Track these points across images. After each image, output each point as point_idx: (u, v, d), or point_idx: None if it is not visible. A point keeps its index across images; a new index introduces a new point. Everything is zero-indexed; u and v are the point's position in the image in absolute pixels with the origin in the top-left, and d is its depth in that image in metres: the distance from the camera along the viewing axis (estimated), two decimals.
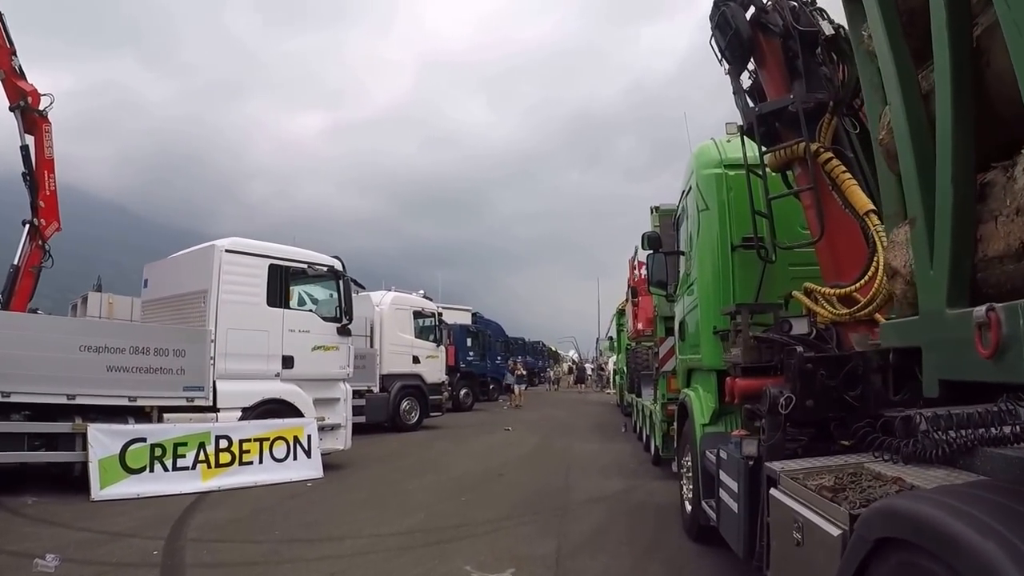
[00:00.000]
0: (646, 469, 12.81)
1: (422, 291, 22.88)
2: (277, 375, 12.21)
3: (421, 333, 21.83)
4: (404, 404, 20.52)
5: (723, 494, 5.79)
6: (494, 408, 30.12)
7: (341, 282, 13.64)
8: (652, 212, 11.80)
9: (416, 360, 21.02)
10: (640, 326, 18.64)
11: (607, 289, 73.93)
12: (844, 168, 5.41)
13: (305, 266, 13.18)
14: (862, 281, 5.09)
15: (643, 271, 20.46)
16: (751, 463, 5.05)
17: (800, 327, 5.32)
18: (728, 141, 7.21)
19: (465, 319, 34.79)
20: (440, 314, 22.62)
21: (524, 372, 32.22)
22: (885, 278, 4.63)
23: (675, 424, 9.04)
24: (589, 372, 59.09)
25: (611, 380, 44.00)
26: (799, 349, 4.92)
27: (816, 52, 5.81)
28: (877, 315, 4.99)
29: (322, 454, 12.36)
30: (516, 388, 31.61)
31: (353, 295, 14.17)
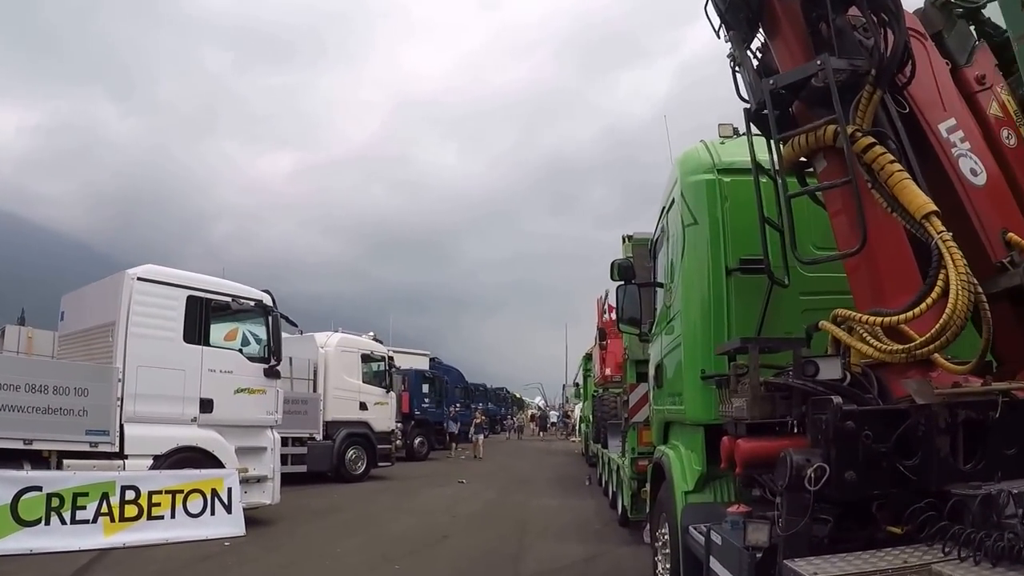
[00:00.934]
0: (612, 531, 11.30)
1: (371, 333, 21.31)
2: (194, 420, 10.83)
3: (369, 378, 20.21)
4: (350, 453, 18.85)
5: None
6: (451, 458, 28.33)
7: (270, 318, 12.14)
8: (624, 241, 10.47)
9: (363, 407, 19.38)
10: (608, 371, 17.26)
11: (575, 336, 72.74)
12: (892, 158, 4.06)
13: (229, 299, 11.74)
14: (920, 307, 3.72)
15: (612, 313, 19.31)
16: (759, 556, 3.63)
17: (829, 370, 3.92)
18: (722, 143, 5.90)
19: (422, 364, 33.18)
20: (391, 358, 21.03)
21: (483, 420, 30.23)
22: (960, 301, 3.31)
23: (648, 485, 7.60)
24: (553, 420, 57.41)
25: (576, 428, 42.51)
26: (835, 400, 3.53)
27: (846, 10, 4.46)
28: (937, 355, 3.65)
29: (246, 509, 11.09)
30: (476, 438, 29.66)
31: (292, 334, 12.71)
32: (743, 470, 4.16)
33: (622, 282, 7.59)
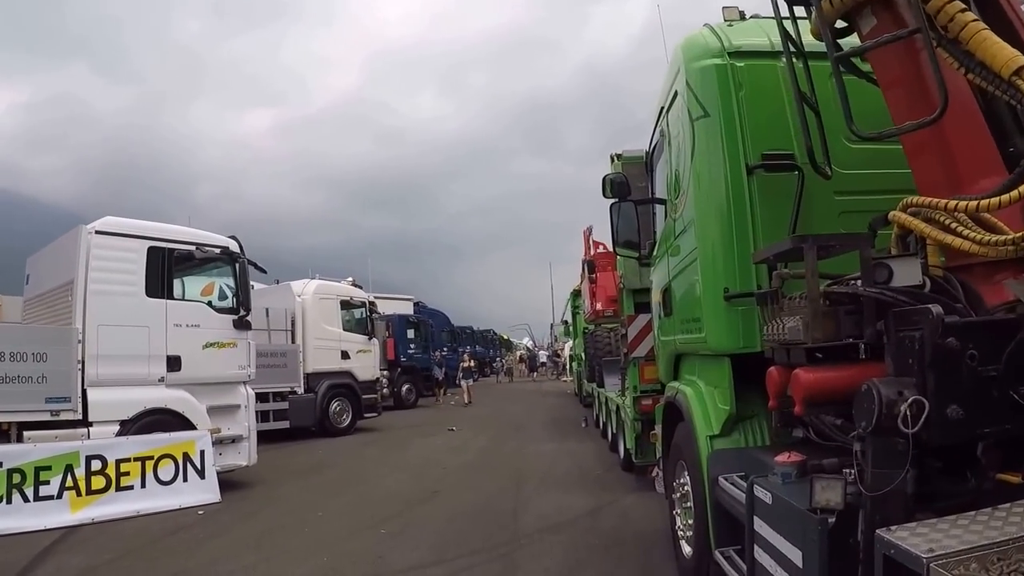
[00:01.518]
0: (615, 477, 10.56)
1: (350, 278, 20.27)
2: (161, 380, 10.13)
3: (351, 325, 19.30)
4: (334, 405, 18.05)
5: (764, 556, 3.54)
6: (440, 404, 27.65)
7: (237, 266, 11.22)
8: (613, 160, 9.50)
9: (346, 355, 18.49)
10: (599, 306, 16.43)
11: (561, 274, 72.23)
12: (962, 5, 3.12)
13: (192, 248, 10.81)
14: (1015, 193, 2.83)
15: (599, 248, 18.38)
16: (831, 521, 2.82)
17: (907, 274, 3.02)
18: (730, 26, 4.94)
19: (406, 309, 32.31)
20: (372, 303, 20.08)
21: (472, 364, 29.27)
22: None
23: (657, 427, 6.82)
24: (543, 360, 56.83)
25: (567, 367, 41.92)
26: (935, 311, 2.65)
27: None
28: None
29: (221, 472, 10.42)
30: (464, 383, 28.16)
31: (265, 283, 11.79)
32: (804, 409, 3.29)
33: (615, 200, 6.67)
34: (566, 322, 34.37)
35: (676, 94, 5.19)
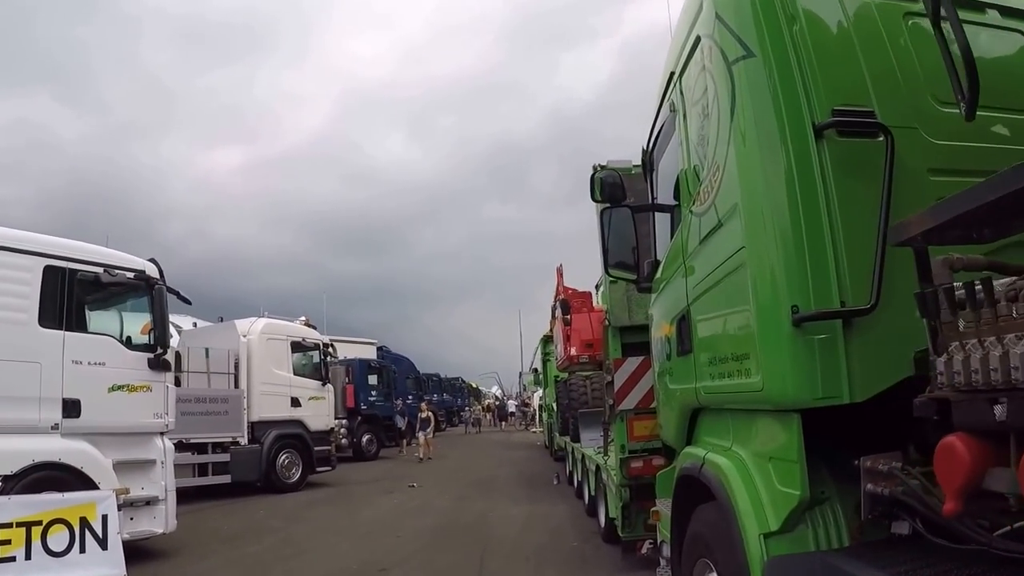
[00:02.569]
0: (596, 550, 9.01)
1: (303, 317, 18.62)
2: (55, 427, 8.42)
3: (303, 369, 17.62)
4: (282, 458, 16.31)
5: None
6: (403, 456, 25.81)
7: (154, 294, 9.63)
8: (596, 171, 8.09)
9: (296, 403, 16.78)
10: (574, 351, 14.99)
11: (529, 322, 70.68)
12: None
13: (99, 270, 9.11)
14: None
15: (567, 292, 16.99)
16: None
17: None
18: None
19: (369, 354, 30.58)
20: (327, 345, 18.37)
21: (430, 415, 26.54)
22: None
23: (659, 503, 5.35)
24: (512, 409, 55.07)
25: (536, 418, 40.22)
26: None
27: None
28: None
29: (130, 541, 8.69)
30: (421, 436, 25.32)
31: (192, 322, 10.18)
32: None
33: (607, 206, 5.25)
34: (535, 370, 32.77)
35: (698, 41, 3.77)
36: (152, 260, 9.94)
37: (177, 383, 15.01)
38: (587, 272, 21.39)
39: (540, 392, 34.26)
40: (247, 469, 15.44)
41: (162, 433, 9.62)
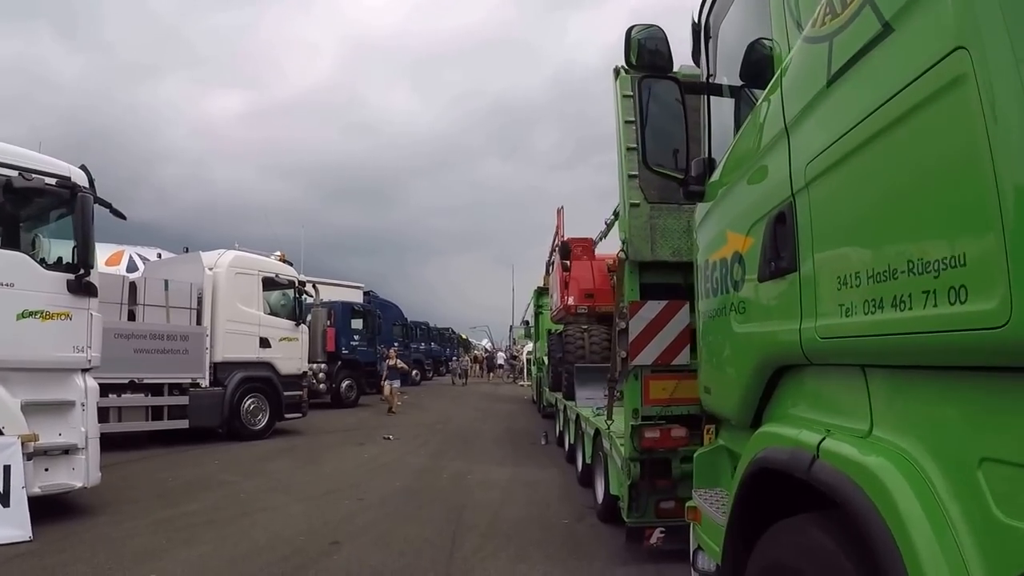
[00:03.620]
0: (593, 532, 7.62)
1: (279, 252, 16.97)
2: None
3: (276, 308, 16.12)
4: (247, 403, 14.92)
5: None
6: (381, 402, 24.40)
7: (80, 204, 8.06)
8: (620, 76, 6.49)
9: (266, 343, 15.30)
10: (571, 300, 13.54)
11: (522, 281, 69.27)
12: None
13: (13, 173, 7.55)
14: None
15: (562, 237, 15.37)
16: None
17: None
18: None
19: (355, 298, 29.01)
20: (303, 283, 16.77)
21: (400, 364, 23.64)
22: None
23: (698, 500, 3.91)
24: (501, 362, 53.87)
25: (525, 371, 38.91)
26: None
27: None
28: None
29: (44, 496, 7.46)
30: (387, 386, 22.63)
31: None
32: None
33: (645, 75, 3.68)
34: (527, 323, 31.40)
35: None
36: (83, 167, 8.37)
37: (132, 317, 13.62)
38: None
39: (530, 346, 32.91)
40: (207, 414, 14.06)
41: (84, 370, 8.12)
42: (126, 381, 12.85)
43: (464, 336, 65.41)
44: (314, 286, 24.91)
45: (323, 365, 22.51)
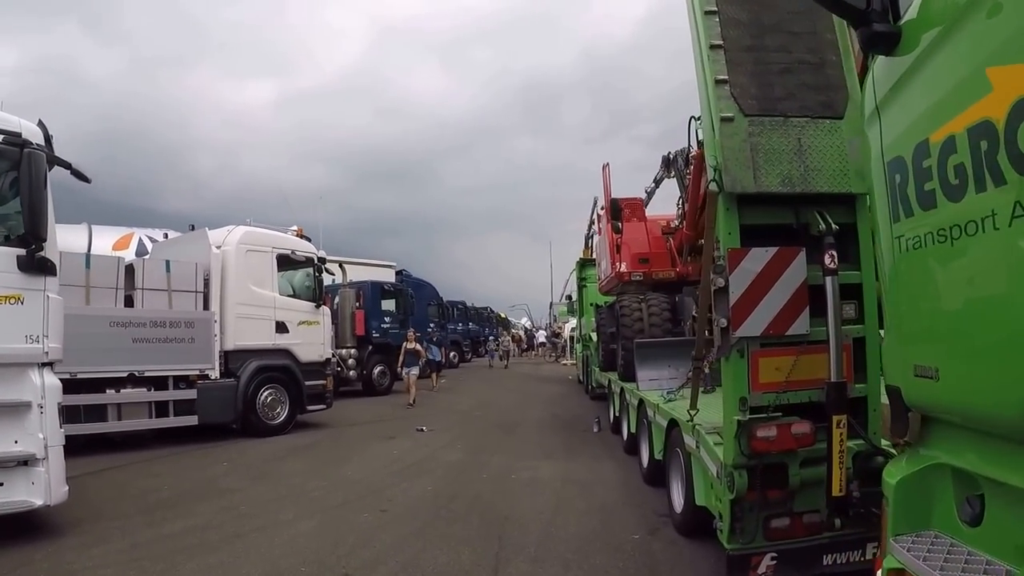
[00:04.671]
0: (671, 551, 5.94)
1: (295, 227, 15.42)
2: None
3: (293, 288, 14.61)
4: (264, 395, 13.40)
5: None
6: (432, 390, 22.87)
7: (29, 162, 6.56)
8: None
9: (282, 328, 13.77)
10: (624, 267, 11.87)
11: (560, 257, 67.69)
12: None
13: None
14: None
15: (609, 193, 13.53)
16: None
17: None
18: None
19: (388, 277, 27.44)
20: (322, 259, 15.17)
21: (417, 347, 19.90)
22: None
23: (907, 539, 2.23)
24: (542, 339, 51.99)
25: (567, 349, 37.14)
26: None
27: None
28: None
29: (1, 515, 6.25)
30: (406, 374, 19.32)
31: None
32: None
33: None
34: (569, 297, 29.60)
35: None
36: (40, 122, 6.90)
37: (129, 303, 12.23)
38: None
39: (572, 323, 31.16)
40: (219, 408, 12.61)
41: (43, 364, 6.66)
42: (125, 374, 11.48)
43: (503, 315, 63.71)
44: (341, 265, 23.48)
45: (353, 350, 21.04)
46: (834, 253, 4.33)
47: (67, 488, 6.76)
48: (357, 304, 22.15)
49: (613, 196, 13.44)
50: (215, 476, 9.62)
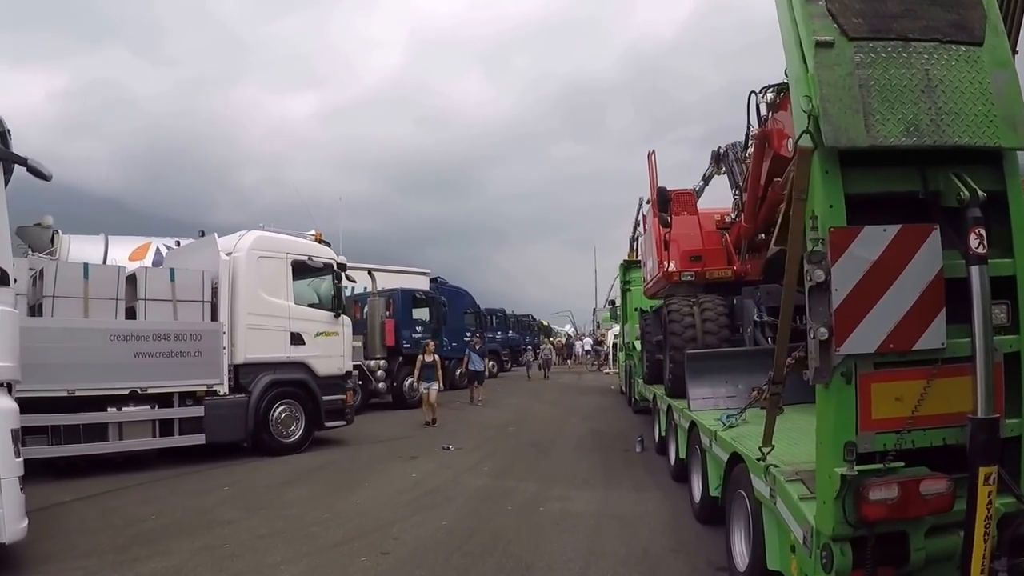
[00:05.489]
0: None
1: (314, 231, 14.28)
2: None
3: (311, 297, 13.53)
4: (277, 412, 12.34)
5: None
6: (453, 400, 21.68)
7: None
8: None
9: (298, 340, 12.69)
10: (673, 266, 10.62)
11: (604, 263, 66.22)
12: None
13: None
14: None
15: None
16: None
17: None
18: None
19: (421, 284, 26.35)
20: (343, 266, 14.03)
21: (436, 358, 17.60)
22: None
23: None
24: (588, 347, 50.35)
25: (610, 357, 35.60)
26: None
27: None
28: None
29: None
30: (425, 391, 17.13)
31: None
32: None
33: None
34: (612, 303, 28.21)
35: None
36: None
37: (131, 315, 11.32)
38: None
39: (615, 329, 29.71)
40: (228, 426, 11.60)
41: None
42: (126, 391, 10.57)
43: (545, 322, 62.25)
44: (370, 273, 22.47)
45: (382, 362, 19.94)
46: (982, 232, 3.05)
47: (26, 524, 5.83)
48: (387, 313, 21.12)
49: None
50: (210, 505, 8.57)
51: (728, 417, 6.43)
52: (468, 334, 27.41)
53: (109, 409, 10.33)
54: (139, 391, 10.67)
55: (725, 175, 10.99)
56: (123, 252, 15.81)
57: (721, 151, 10.95)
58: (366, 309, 21.12)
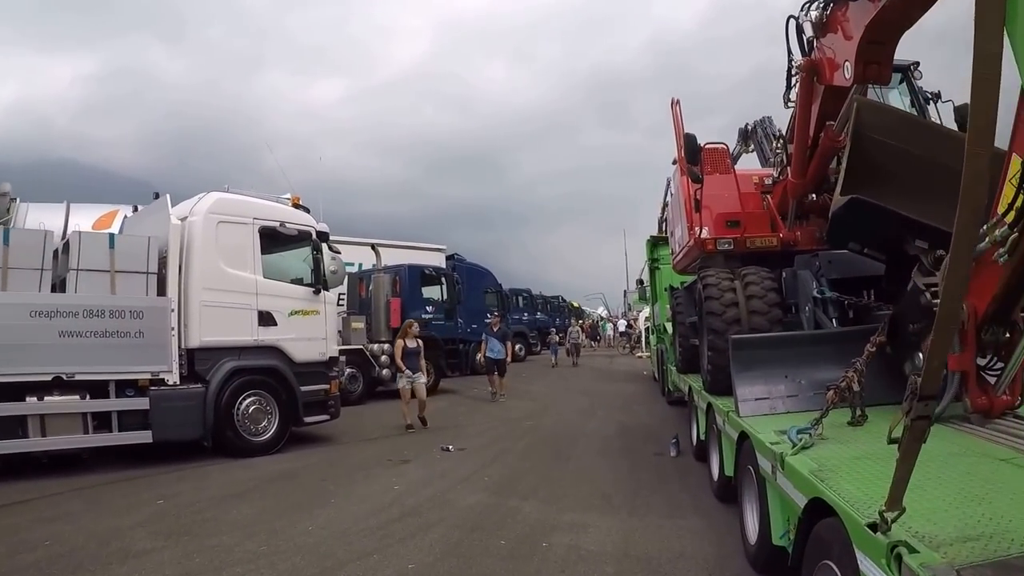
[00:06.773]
0: None
1: (289, 195, 12.13)
2: None
3: (283, 271, 11.51)
4: (245, 405, 10.46)
5: None
6: (472, 387, 19.61)
7: None
8: None
9: (268, 320, 10.76)
10: (706, 232, 8.53)
11: (634, 245, 64.13)
12: None
13: None
14: None
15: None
16: None
17: None
18: None
19: (436, 261, 24.22)
20: (323, 233, 11.96)
21: (419, 344, 13.76)
22: None
23: None
24: (622, 329, 47.99)
25: (642, 340, 33.21)
26: None
27: None
28: None
29: None
30: (406, 383, 13.46)
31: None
32: None
33: None
34: (640, 282, 25.90)
35: None
36: None
37: (60, 287, 9.55)
38: None
39: (646, 311, 27.42)
40: (181, 422, 9.77)
41: None
42: (49, 378, 8.82)
43: (576, 304, 59.86)
44: (374, 247, 20.58)
45: (386, 345, 17.82)
46: None
47: None
48: (393, 291, 19.15)
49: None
50: (127, 526, 6.73)
51: (798, 433, 4.33)
52: (489, 315, 25.31)
53: (28, 399, 8.68)
54: (65, 377, 8.93)
55: (754, 152, 10.59)
56: (87, 221, 14.03)
57: (749, 127, 10.42)
58: (370, 287, 19.22)
